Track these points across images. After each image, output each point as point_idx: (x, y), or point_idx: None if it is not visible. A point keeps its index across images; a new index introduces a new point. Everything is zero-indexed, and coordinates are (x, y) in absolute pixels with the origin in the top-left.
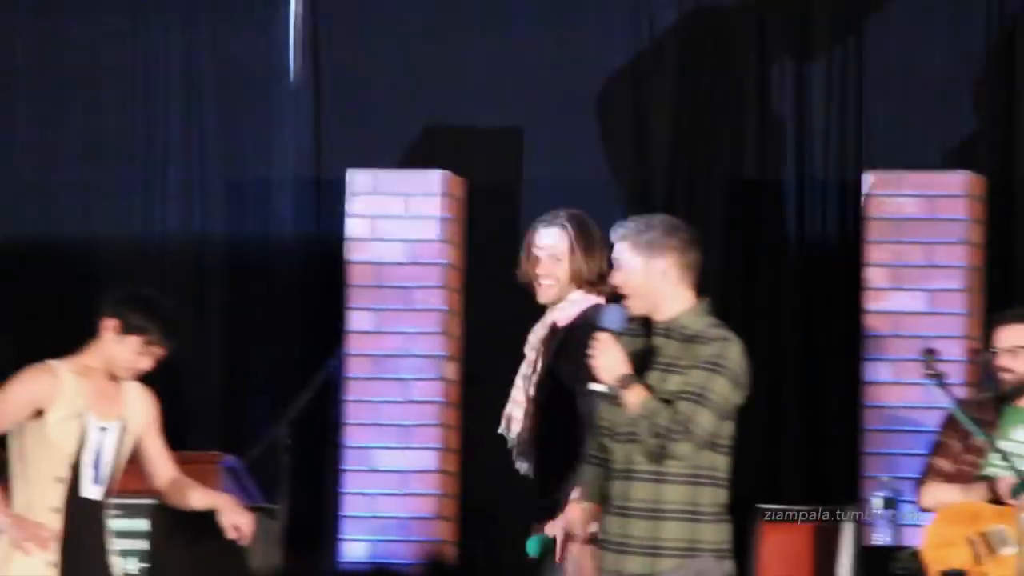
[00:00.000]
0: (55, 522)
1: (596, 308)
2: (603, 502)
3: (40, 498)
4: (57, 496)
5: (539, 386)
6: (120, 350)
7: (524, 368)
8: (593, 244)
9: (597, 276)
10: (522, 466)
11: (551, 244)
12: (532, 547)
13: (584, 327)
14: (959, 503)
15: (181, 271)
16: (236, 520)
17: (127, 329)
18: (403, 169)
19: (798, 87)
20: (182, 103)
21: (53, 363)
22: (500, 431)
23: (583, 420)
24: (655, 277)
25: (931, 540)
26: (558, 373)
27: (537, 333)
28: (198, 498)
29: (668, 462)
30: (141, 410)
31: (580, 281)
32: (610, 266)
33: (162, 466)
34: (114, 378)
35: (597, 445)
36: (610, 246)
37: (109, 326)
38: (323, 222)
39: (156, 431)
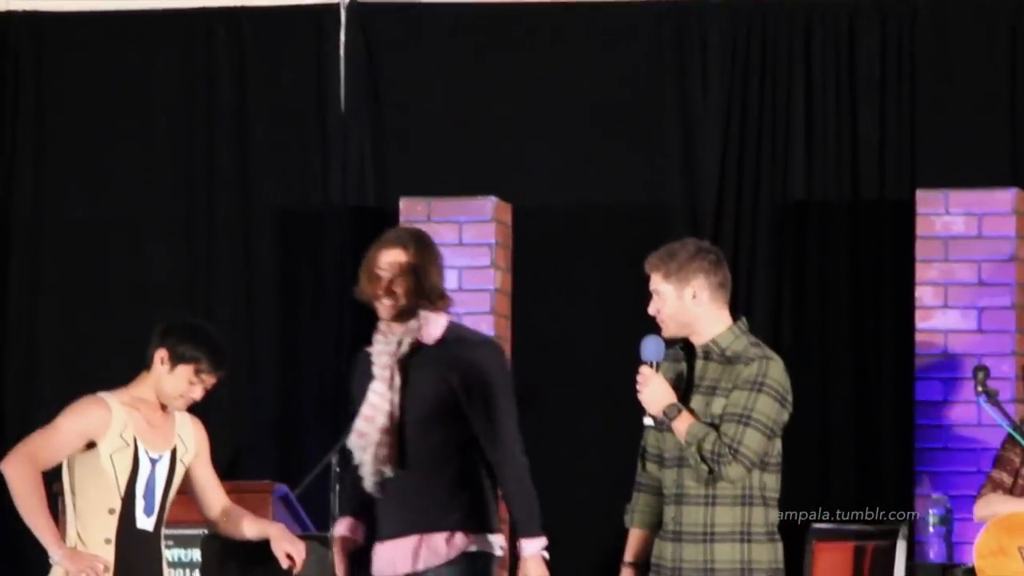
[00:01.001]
0: (108, 554)
1: (459, 327)
2: (654, 529)
3: (93, 530)
4: (110, 528)
5: (420, 400)
6: (171, 380)
7: (378, 385)
8: (434, 262)
9: (439, 295)
10: (379, 473)
11: (391, 263)
12: None
13: (465, 343)
14: (1013, 513)
15: (233, 302)
16: (289, 549)
17: (176, 359)
18: (456, 197)
19: (849, 104)
20: (232, 133)
21: (103, 394)
22: (349, 446)
23: (469, 435)
24: (688, 301)
25: (982, 549)
26: (453, 388)
27: (391, 350)
28: (250, 527)
29: (719, 484)
30: (192, 440)
31: (422, 299)
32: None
33: (213, 496)
34: (164, 408)
35: (647, 472)
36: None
37: (158, 357)
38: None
39: (207, 460)
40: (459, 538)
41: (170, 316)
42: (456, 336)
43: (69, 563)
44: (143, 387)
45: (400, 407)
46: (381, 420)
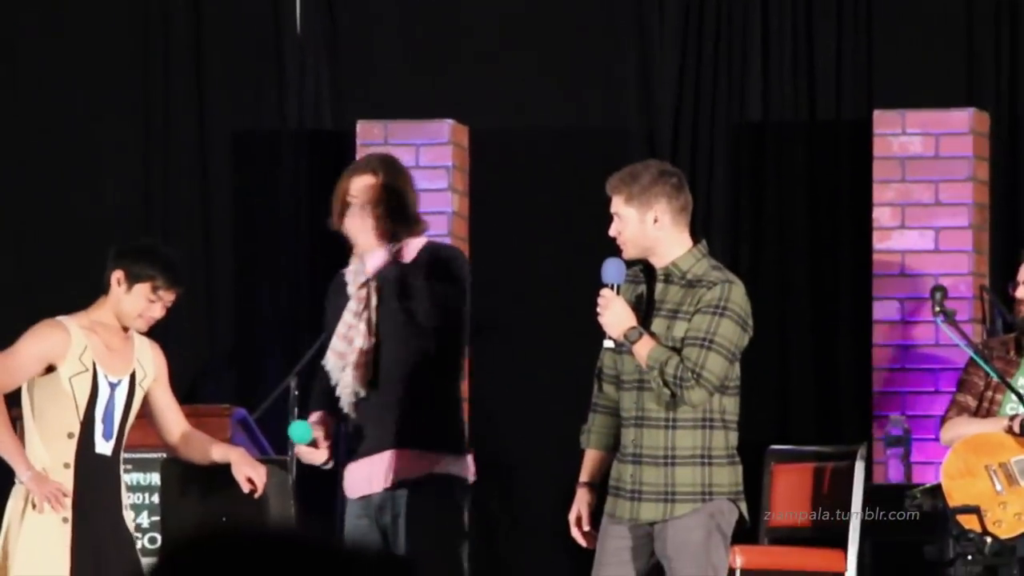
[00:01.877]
0: (68, 478)
1: (433, 245)
2: (611, 450)
3: (53, 453)
4: (69, 452)
5: (396, 320)
6: (129, 300)
7: (354, 304)
8: (407, 185)
9: (415, 219)
10: (355, 394)
11: (363, 188)
12: (297, 433)
13: (438, 263)
14: (980, 434)
15: (189, 224)
16: (249, 472)
17: (133, 279)
18: (412, 120)
19: (805, 27)
20: (189, 58)
21: (62, 318)
22: (325, 365)
23: (451, 353)
24: (649, 225)
25: (949, 470)
26: (418, 304)
27: (361, 275)
28: (210, 451)
29: (680, 408)
30: (151, 364)
31: (399, 224)
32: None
33: (173, 420)
34: (124, 333)
35: (603, 393)
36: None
37: (115, 279)
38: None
39: (166, 384)
40: (433, 457)
41: (124, 240)
42: (430, 253)
43: (35, 485)
44: (101, 311)
45: (376, 326)
46: (358, 341)
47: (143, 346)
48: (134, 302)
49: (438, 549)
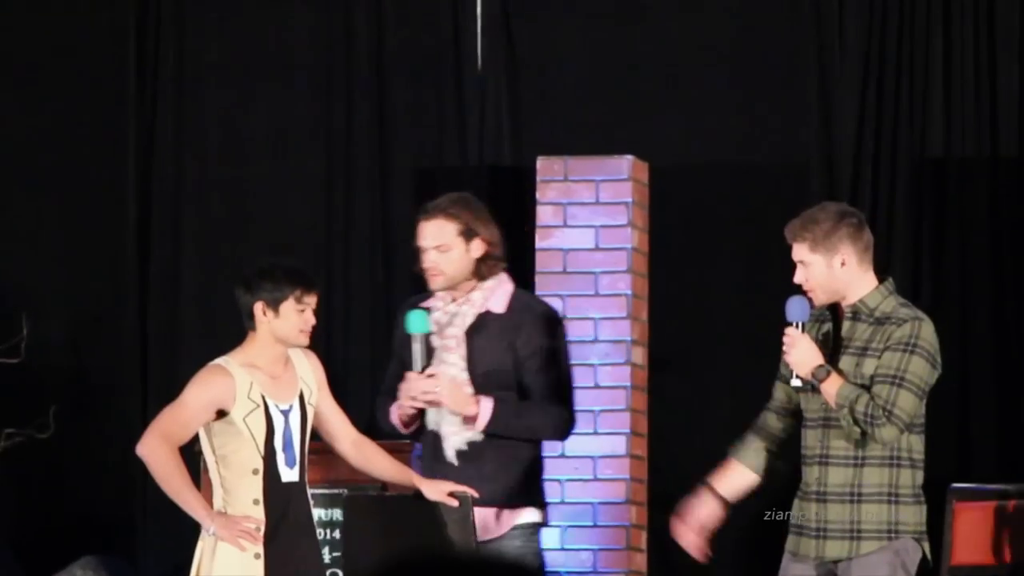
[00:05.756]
0: (259, 513)
1: (524, 294)
2: (754, 470)
3: (239, 492)
4: (256, 488)
5: (488, 373)
6: (282, 323)
7: (451, 357)
8: (487, 221)
9: (501, 253)
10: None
11: (434, 235)
12: (416, 323)
13: (533, 312)
14: None
15: (371, 261)
16: (448, 488)
17: (274, 303)
18: (592, 156)
19: (988, 60)
20: (371, 93)
21: (221, 361)
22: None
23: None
24: (837, 269)
25: None
26: (518, 359)
27: (461, 320)
28: (388, 469)
29: (868, 446)
30: (311, 377)
31: (482, 261)
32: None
33: (339, 425)
34: (282, 359)
35: (766, 420)
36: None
37: (258, 312)
38: (514, 209)
39: (327, 391)
40: (525, 511)
41: (236, 278)
42: (522, 304)
43: (224, 531)
44: (253, 349)
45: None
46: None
47: (301, 362)
48: (287, 322)
49: None
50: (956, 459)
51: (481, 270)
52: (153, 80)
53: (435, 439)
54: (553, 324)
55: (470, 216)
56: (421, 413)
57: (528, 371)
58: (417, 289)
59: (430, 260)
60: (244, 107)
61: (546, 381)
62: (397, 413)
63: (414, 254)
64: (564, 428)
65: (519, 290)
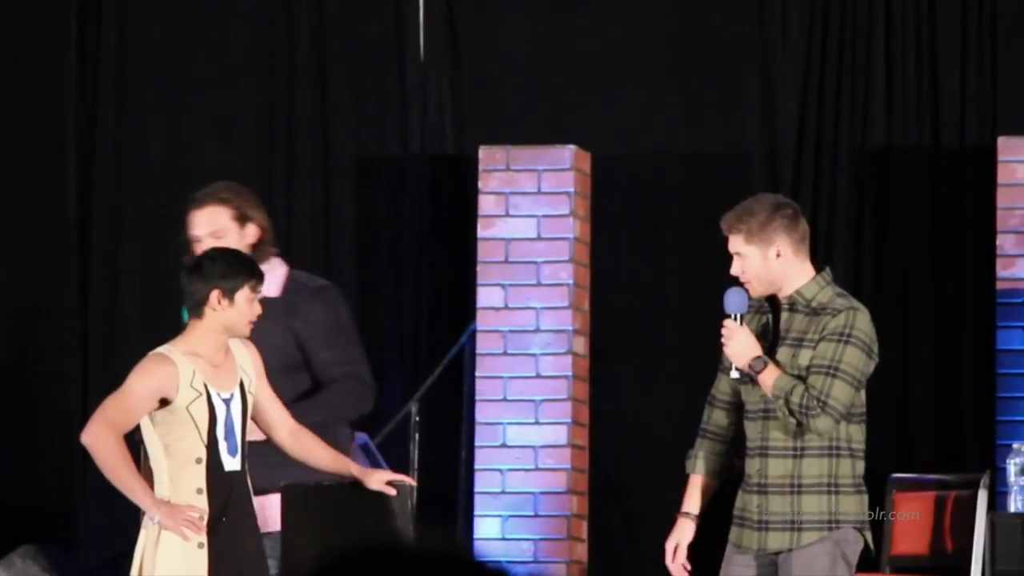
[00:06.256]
0: (202, 502)
1: (297, 273)
2: (716, 476)
3: (183, 481)
4: (200, 477)
5: (272, 357)
6: (236, 312)
7: None
8: (258, 207)
9: (273, 238)
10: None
11: (208, 222)
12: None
13: (308, 290)
14: None
15: (312, 249)
16: (387, 477)
17: (230, 291)
18: (535, 146)
19: (929, 53)
20: (312, 81)
21: (163, 350)
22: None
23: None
24: (772, 261)
25: None
26: (300, 339)
27: None
28: (326, 458)
29: (806, 437)
30: (250, 366)
31: (256, 247)
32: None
33: (276, 414)
34: (223, 348)
35: (712, 420)
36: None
37: (213, 299)
38: (454, 199)
39: (265, 380)
40: None
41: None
42: (296, 284)
43: (168, 520)
44: (195, 336)
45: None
46: None
47: (240, 351)
48: (241, 311)
49: None
50: (896, 450)
51: (255, 256)
52: (94, 69)
53: None
54: (329, 297)
55: (243, 201)
56: None
57: (312, 348)
58: (361, 280)
59: (205, 248)
60: (185, 97)
61: (333, 356)
62: None
63: (185, 245)
64: (364, 398)
65: (293, 271)
